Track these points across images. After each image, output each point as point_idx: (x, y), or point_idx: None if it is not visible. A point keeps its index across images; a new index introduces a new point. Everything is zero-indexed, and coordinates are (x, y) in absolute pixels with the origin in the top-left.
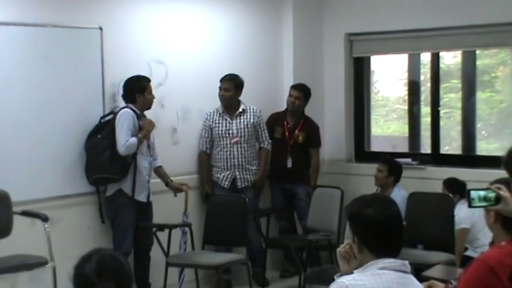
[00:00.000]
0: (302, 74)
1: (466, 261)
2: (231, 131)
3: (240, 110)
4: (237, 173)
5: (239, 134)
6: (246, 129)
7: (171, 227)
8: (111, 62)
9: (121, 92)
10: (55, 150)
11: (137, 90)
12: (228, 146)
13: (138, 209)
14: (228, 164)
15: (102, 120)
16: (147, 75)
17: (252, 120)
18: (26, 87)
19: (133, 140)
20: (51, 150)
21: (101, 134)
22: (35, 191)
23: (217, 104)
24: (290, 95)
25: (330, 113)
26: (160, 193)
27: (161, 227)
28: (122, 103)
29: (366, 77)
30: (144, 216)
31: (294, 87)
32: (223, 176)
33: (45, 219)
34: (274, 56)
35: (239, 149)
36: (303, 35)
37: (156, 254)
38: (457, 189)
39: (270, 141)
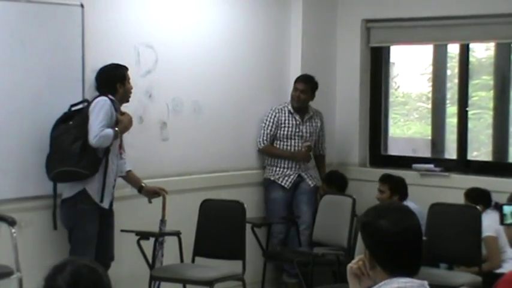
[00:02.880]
0: (311, 65)
1: (491, 278)
2: (301, 133)
3: (311, 113)
4: (303, 173)
5: (311, 138)
6: (314, 135)
7: (157, 235)
8: (93, 45)
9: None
10: (25, 143)
11: (118, 79)
12: (297, 148)
13: (100, 217)
14: (293, 164)
15: (73, 109)
16: (134, 61)
17: (319, 125)
18: None
19: (109, 131)
20: (20, 144)
21: (73, 121)
22: (0, 190)
23: (215, 96)
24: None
25: (342, 111)
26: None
27: (146, 235)
28: None
29: (384, 70)
30: (105, 225)
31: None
32: (286, 174)
33: (12, 223)
34: (280, 44)
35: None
36: (313, 20)
37: (138, 267)
38: (481, 199)
39: (325, 147)
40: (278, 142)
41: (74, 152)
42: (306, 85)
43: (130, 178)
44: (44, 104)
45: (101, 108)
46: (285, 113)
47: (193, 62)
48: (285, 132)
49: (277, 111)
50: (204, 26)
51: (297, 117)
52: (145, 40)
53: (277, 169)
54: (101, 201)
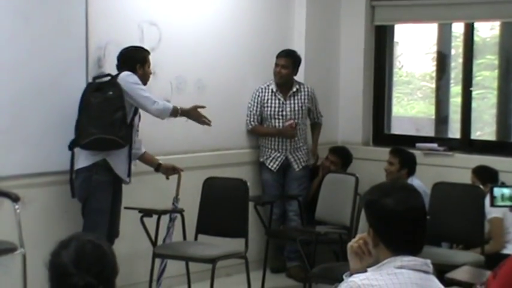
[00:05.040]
0: (315, 43)
1: (494, 259)
2: (284, 112)
3: (294, 89)
4: (290, 156)
5: (293, 116)
6: (300, 111)
7: (160, 212)
8: (97, 22)
9: (108, 60)
10: (29, 120)
11: (138, 60)
12: (281, 128)
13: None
14: (280, 146)
15: (97, 81)
16: (138, 38)
17: (306, 100)
18: None
19: (169, 104)
20: (24, 121)
21: (112, 92)
22: (4, 166)
23: (219, 75)
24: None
25: (346, 90)
26: (141, 174)
27: (149, 212)
28: (108, 69)
29: (388, 49)
30: (114, 201)
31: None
32: (273, 157)
33: (15, 199)
34: (284, 22)
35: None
36: None
37: (141, 244)
38: (489, 179)
39: (322, 115)
40: (264, 122)
41: (116, 122)
42: (287, 59)
43: (146, 158)
44: (47, 81)
45: (136, 80)
46: (268, 93)
47: (197, 41)
48: (269, 112)
49: (260, 90)
50: (207, 4)
51: (280, 96)
52: (149, 18)
53: (266, 150)
54: (128, 175)
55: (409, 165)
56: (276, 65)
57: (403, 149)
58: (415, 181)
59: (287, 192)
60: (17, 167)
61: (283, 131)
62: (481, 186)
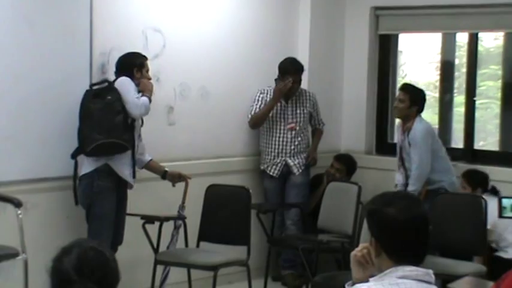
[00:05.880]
0: (319, 52)
1: (497, 263)
2: (285, 116)
3: (296, 93)
4: (289, 160)
5: (295, 120)
6: (301, 115)
7: (162, 219)
8: (101, 28)
9: (112, 66)
10: (33, 126)
11: (135, 65)
12: (282, 131)
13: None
14: (280, 150)
15: (95, 87)
16: (142, 45)
17: (307, 105)
18: (1, 53)
19: (145, 99)
20: (28, 126)
21: (111, 96)
22: (6, 172)
23: (223, 82)
24: None
25: (350, 98)
26: (144, 181)
27: (151, 219)
28: (112, 75)
29: (392, 58)
30: (118, 208)
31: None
32: (273, 163)
33: (18, 204)
34: (288, 31)
35: (293, 136)
36: (322, 7)
37: (143, 250)
38: (479, 183)
39: (324, 122)
40: (265, 125)
41: (118, 125)
42: (299, 74)
43: (152, 166)
44: (51, 87)
45: (128, 84)
46: (270, 95)
47: (201, 48)
48: (270, 115)
49: (262, 91)
50: (212, 12)
51: (281, 99)
52: (154, 24)
53: (266, 157)
54: (134, 175)
55: (419, 102)
56: (293, 81)
57: (413, 85)
58: (423, 122)
59: (286, 200)
60: (19, 172)
61: (276, 89)
62: (483, 195)
